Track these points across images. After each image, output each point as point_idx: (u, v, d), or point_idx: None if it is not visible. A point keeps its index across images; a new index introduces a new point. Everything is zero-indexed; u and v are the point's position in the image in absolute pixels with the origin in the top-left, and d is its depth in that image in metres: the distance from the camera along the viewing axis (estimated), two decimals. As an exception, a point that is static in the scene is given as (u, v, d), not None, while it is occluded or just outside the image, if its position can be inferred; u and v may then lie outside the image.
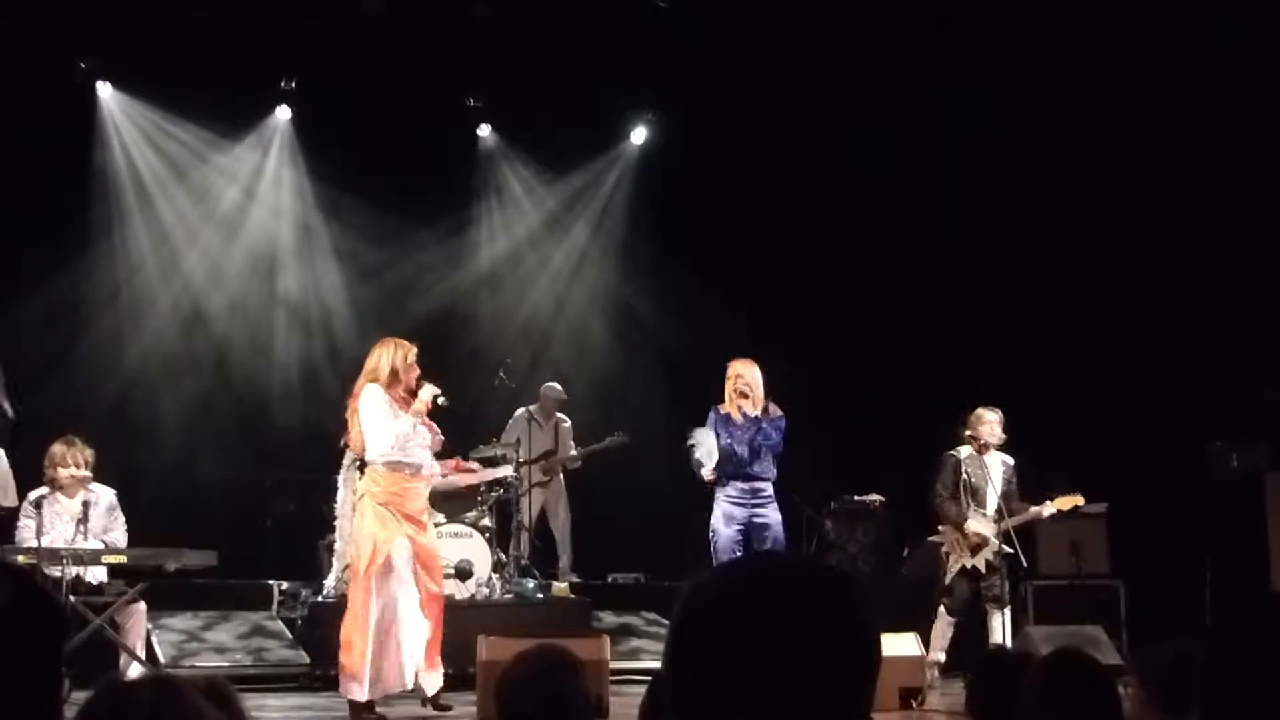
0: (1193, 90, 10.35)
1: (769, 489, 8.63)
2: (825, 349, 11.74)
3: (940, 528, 9.25)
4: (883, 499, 10.76)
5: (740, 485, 8.54)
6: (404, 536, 7.22)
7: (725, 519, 8.50)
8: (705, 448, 8.56)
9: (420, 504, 7.44)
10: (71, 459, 8.05)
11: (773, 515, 8.59)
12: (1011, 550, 8.94)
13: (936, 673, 8.82)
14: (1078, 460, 9.90)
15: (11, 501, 8.22)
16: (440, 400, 7.37)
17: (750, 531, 8.52)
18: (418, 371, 7.36)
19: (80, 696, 1.78)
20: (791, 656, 1.42)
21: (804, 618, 1.45)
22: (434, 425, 7.49)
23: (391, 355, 7.30)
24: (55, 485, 8.03)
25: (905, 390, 10.79)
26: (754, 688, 1.41)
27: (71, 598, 7.56)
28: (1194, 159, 10.37)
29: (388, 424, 7.20)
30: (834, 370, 11.65)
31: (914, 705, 7.65)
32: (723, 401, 8.76)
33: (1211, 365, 9.85)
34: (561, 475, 11.59)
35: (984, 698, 3.64)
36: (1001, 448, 9.13)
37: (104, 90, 11.91)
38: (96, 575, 8.04)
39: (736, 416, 8.62)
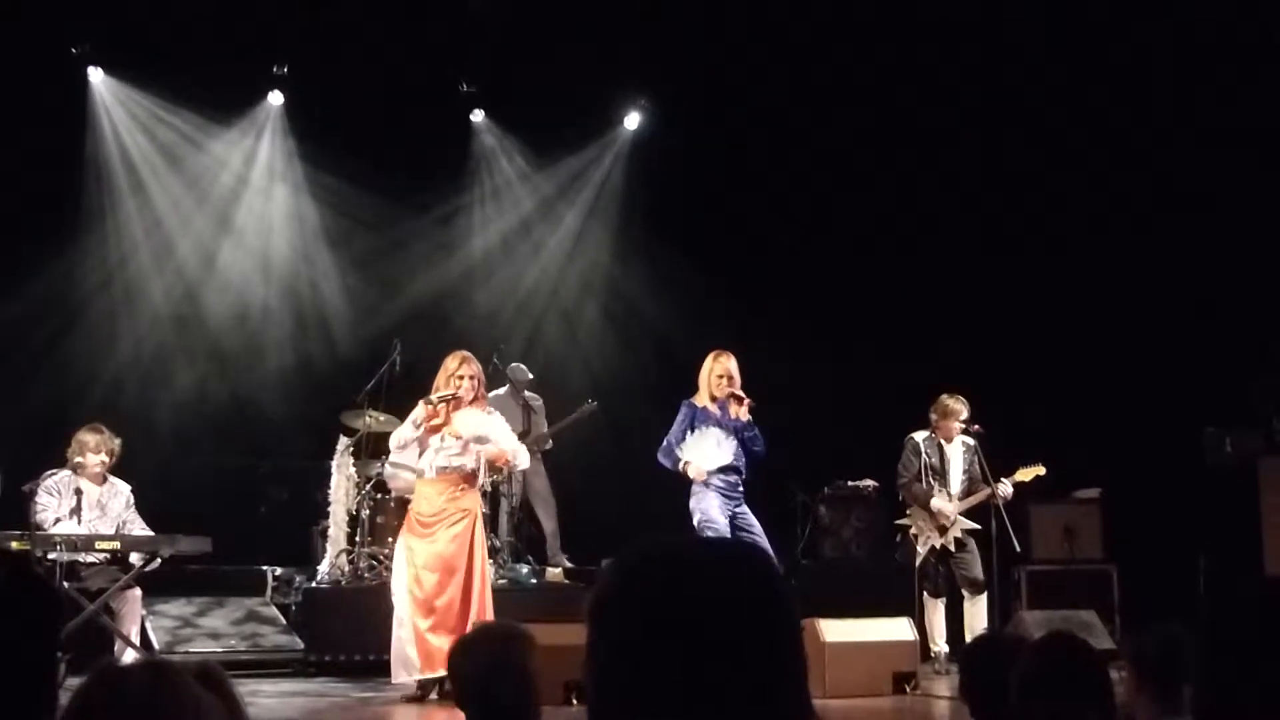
0: (1191, 80, 10.35)
1: (740, 484, 8.42)
2: (820, 333, 11.74)
3: (908, 510, 9.35)
4: (877, 484, 10.77)
5: (725, 479, 8.31)
6: (404, 541, 7.66)
7: (720, 509, 8.33)
8: (690, 449, 8.36)
9: (426, 506, 7.70)
10: (98, 445, 8.08)
11: (751, 514, 8.39)
12: (979, 527, 9.01)
13: (944, 659, 8.87)
14: (1073, 446, 9.92)
15: None
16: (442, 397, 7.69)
17: (734, 529, 8.28)
18: (464, 381, 7.70)
19: (75, 682, 1.78)
20: (709, 652, 1.36)
21: (712, 608, 1.38)
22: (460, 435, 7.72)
23: (440, 373, 7.80)
24: (78, 471, 8.05)
25: (901, 375, 10.79)
26: (677, 694, 1.35)
27: (65, 584, 7.56)
28: (1191, 149, 10.37)
29: (397, 430, 7.88)
30: (828, 354, 11.65)
31: (907, 690, 7.67)
32: (696, 394, 8.48)
33: (1206, 352, 9.86)
34: (540, 456, 11.48)
35: (977, 682, 3.65)
36: (966, 430, 9.18)
37: (95, 76, 11.87)
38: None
39: (715, 411, 8.38)
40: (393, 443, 7.97)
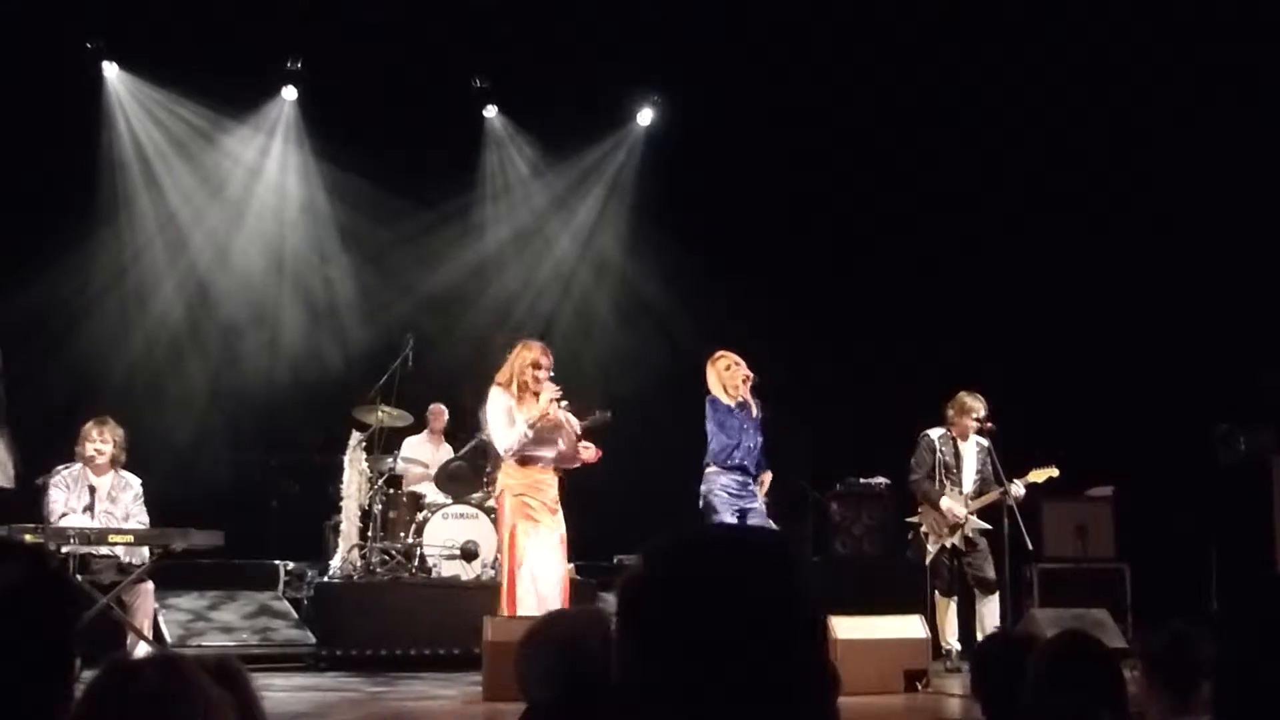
0: (1198, 74, 10.31)
1: (752, 482, 8.48)
2: (832, 330, 11.73)
3: (919, 509, 9.33)
4: (888, 481, 10.76)
5: (738, 478, 8.38)
6: (541, 523, 7.65)
7: (724, 505, 8.34)
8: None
9: (551, 494, 7.80)
10: (100, 436, 8.10)
11: (764, 511, 8.48)
12: (990, 527, 8.99)
13: (955, 657, 8.85)
14: (1085, 445, 9.90)
15: (9, 482, 8.30)
16: (562, 403, 7.74)
17: (742, 518, 8.35)
18: (541, 371, 7.73)
19: (88, 675, 1.78)
20: (736, 644, 1.36)
21: (739, 600, 1.38)
22: (564, 420, 7.81)
23: (514, 359, 7.81)
24: (86, 462, 8.08)
25: (914, 372, 10.78)
26: (702, 683, 1.36)
27: (78, 576, 7.58)
28: (1199, 143, 10.33)
29: (505, 428, 7.72)
30: (840, 351, 11.64)
31: (919, 687, 7.66)
32: (722, 392, 8.49)
33: (1218, 350, 9.83)
34: None
35: (989, 679, 3.65)
36: (980, 429, 9.15)
37: (110, 70, 11.91)
38: (139, 555, 8.05)
39: (738, 406, 8.44)
40: (514, 447, 7.66)
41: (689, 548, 1.45)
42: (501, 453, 7.87)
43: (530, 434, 7.64)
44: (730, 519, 8.27)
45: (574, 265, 13.17)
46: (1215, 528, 9.55)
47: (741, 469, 8.41)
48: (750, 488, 8.46)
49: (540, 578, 7.57)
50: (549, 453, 7.80)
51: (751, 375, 8.47)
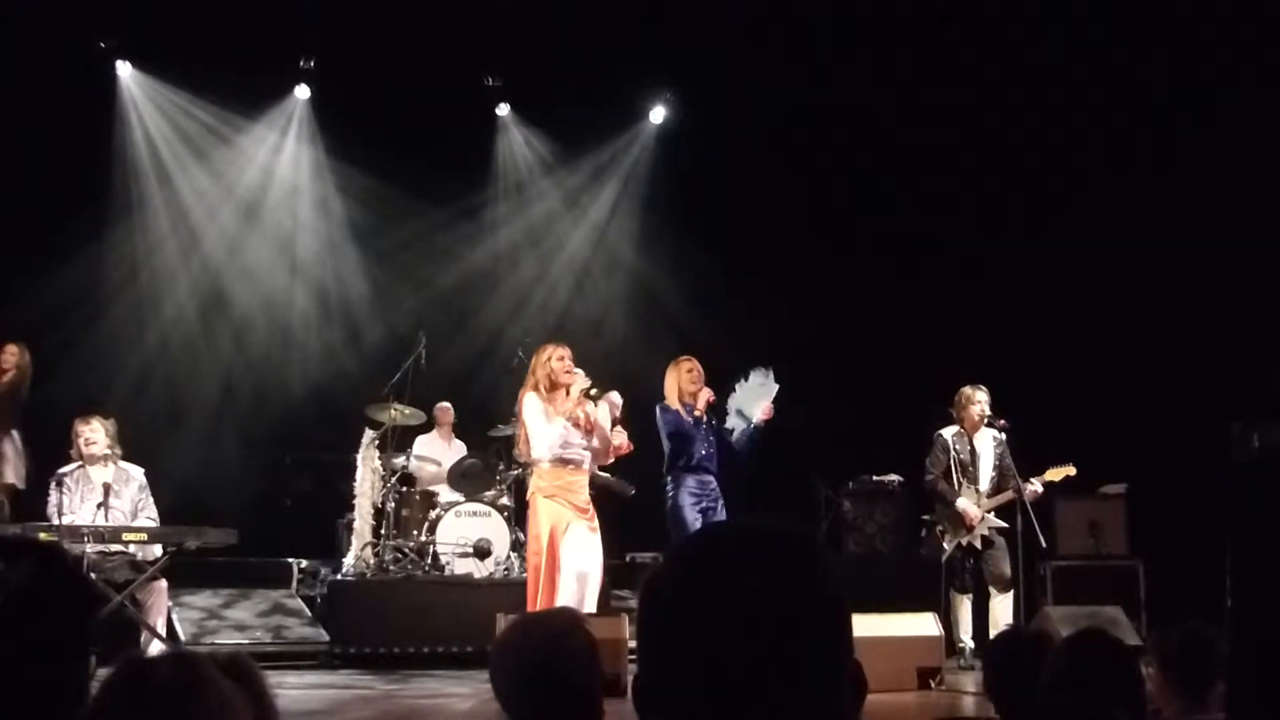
0: (1204, 68, 10.28)
1: (714, 483, 8.43)
2: (845, 328, 11.71)
3: (935, 507, 9.32)
4: (901, 479, 10.74)
5: (699, 478, 8.35)
6: (574, 523, 7.56)
7: (690, 510, 8.27)
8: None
9: (583, 497, 7.73)
10: (88, 428, 8.11)
11: (720, 506, 8.42)
12: (1006, 525, 8.98)
13: (969, 655, 8.84)
14: (1098, 441, 9.87)
15: (21, 483, 8.31)
16: (592, 391, 7.71)
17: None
18: (567, 367, 7.71)
19: (102, 673, 1.78)
20: (756, 645, 1.34)
21: (761, 600, 1.35)
22: (589, 418, 7.75)
23: (539, 361, 7.78)
24: (82, 460, 8.09)
25: (925, 369, 10.76)
26: (723, 686, 1.35)
27: (92, 575, 7.60)
28: (1209, 137, 10.30)
29: (542, 430, 7.63)
30: (854, 350, 11.62)
31: (932, 685, 7.65)
32: (675, 398, 8.48)
33: (1233, 346, 9.80)
34: None
35: (1001, 677, 3.64)
36: (992, 424, 9.13)
37: (124, 70, 11.94)
38: (149, 553, 8.06)
39: (694, 414, 8.41)
40: (555, 443, 7.63)
41: (711, 546, 1.44)
42: (539, 456, 7.69)
43: (567, 427, 7.60)
44: (691, 520, 8.21)
45: (586, 262, 13.16)
46: (1229, 525, 9.49)
47: (702, 469, 8.36)
48: (712, 488, 8.40)
49: (585, 575, 7.47)
50: (582, 453, 7.70)
51: (709, 402, 8.41)
